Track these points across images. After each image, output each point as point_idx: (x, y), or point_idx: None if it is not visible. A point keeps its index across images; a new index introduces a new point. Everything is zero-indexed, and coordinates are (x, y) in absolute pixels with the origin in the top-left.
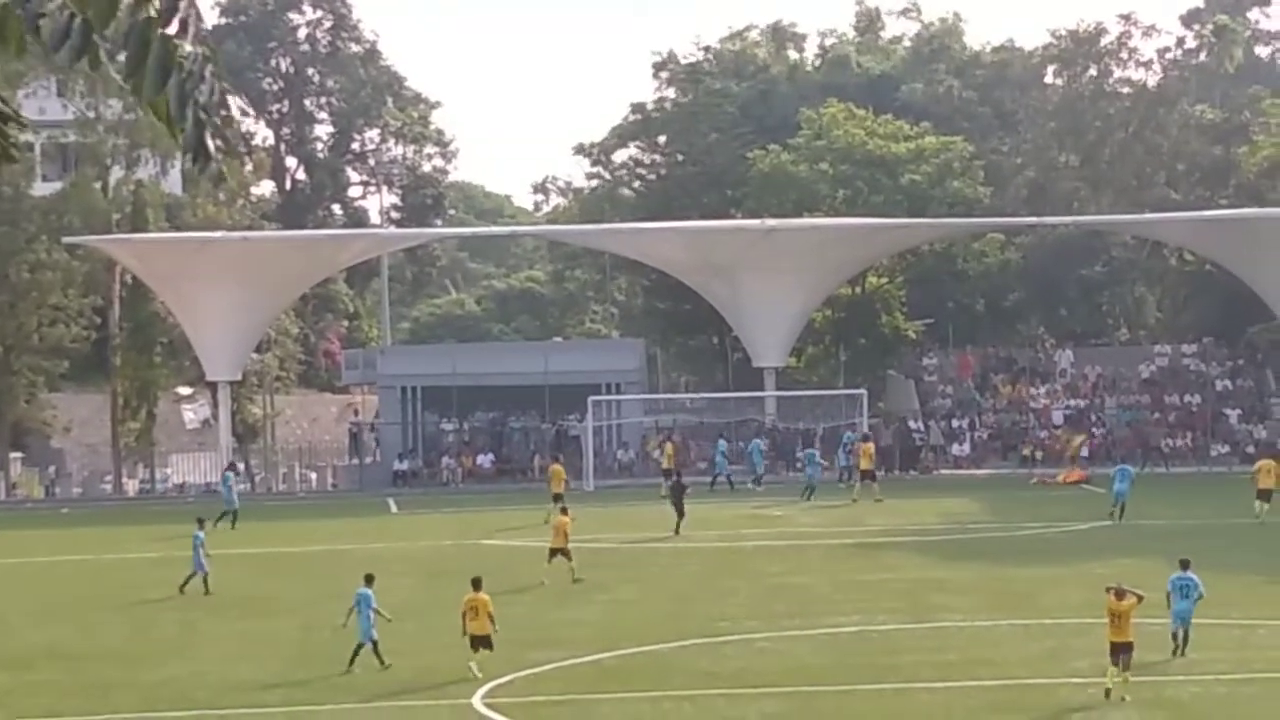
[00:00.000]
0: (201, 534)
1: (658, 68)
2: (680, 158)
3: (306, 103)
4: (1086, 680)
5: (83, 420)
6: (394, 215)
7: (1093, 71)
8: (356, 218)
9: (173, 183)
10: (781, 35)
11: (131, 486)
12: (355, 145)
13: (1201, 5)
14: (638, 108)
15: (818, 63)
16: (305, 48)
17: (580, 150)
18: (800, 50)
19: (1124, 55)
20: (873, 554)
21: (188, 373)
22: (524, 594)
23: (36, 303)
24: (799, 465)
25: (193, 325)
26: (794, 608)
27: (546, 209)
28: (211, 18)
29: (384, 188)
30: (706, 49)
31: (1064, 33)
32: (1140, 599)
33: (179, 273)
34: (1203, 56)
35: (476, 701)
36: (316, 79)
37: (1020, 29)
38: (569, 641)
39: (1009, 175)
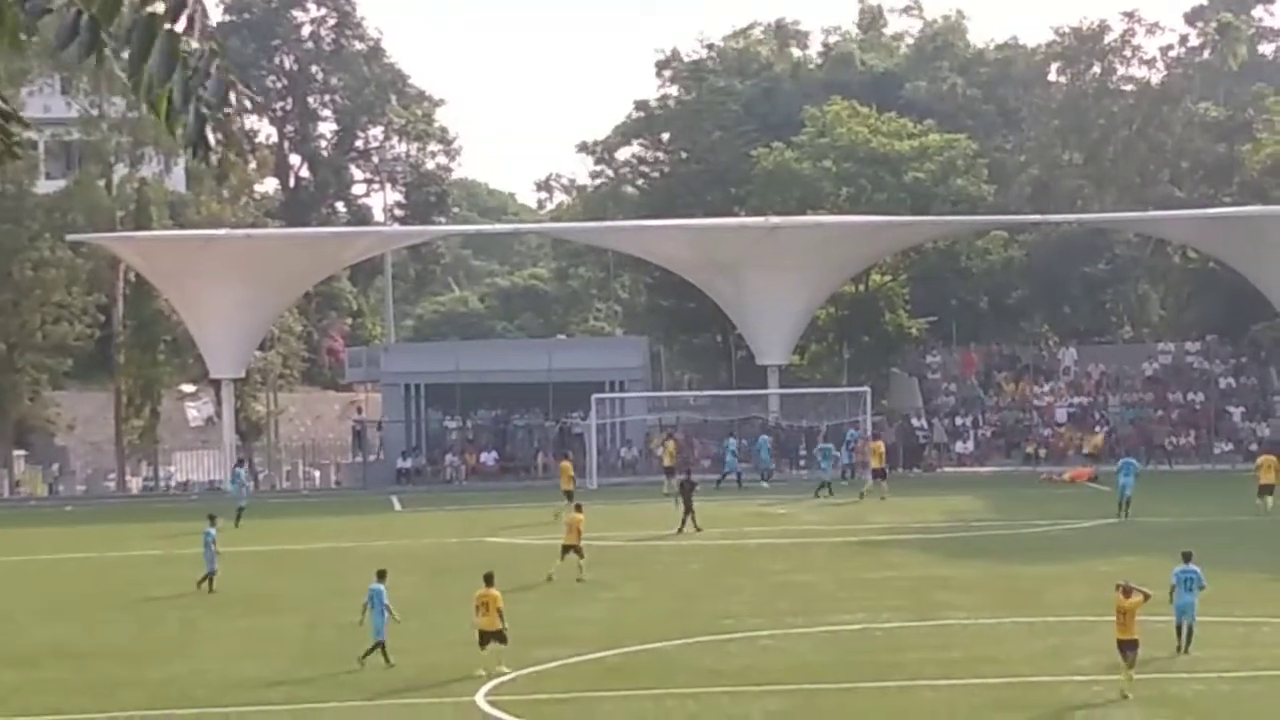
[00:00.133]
0: (213, 530)
1: (661, 66)
2: (684, 155)
3: (310, 100)
4: (1090, 678)
5: (86, 418)
6: (397, 213)
7: (1096, 69)
8: (360, 215)
9: (176, 180)
10: (785, 33)
11: (135, 484)
12: (359, 143)
13: (1205, 3)
14: (641, 105)
15: (821, 60)
16: (309, 45)
17: (584, 148)
18: (804, 48)
19: (1127, 53)
20: (877, 552)
21: (191, 370)
22: (528, 591)
23: (40, 300)
24: (802, 463)
25: (196, 323)
26: (798, 605)
27: (550, 206)
28: (215, 15)
29: (387, 185)
30: (710, 47)
31: (1067, 30)
32: (1147, 597)
33: (183, 270)
34: (1206, 54)
35: (480, 699)
36: (320, 76)
37: (1024, 27)
38: (573, 639)
39: (1012, 173)
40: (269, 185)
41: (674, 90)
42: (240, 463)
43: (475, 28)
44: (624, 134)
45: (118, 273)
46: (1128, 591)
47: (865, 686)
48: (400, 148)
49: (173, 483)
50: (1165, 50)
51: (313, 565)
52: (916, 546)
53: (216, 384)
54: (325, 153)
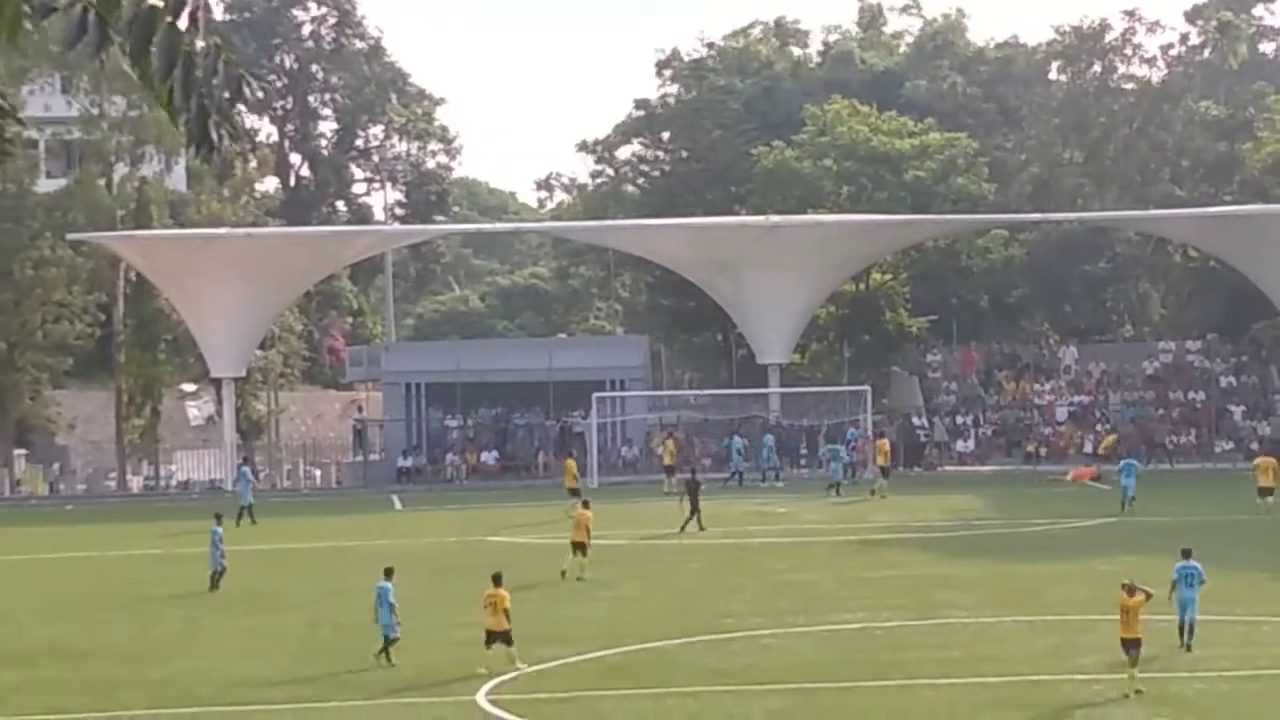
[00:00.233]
0: (220, 529)
1: (661, 65)
2: (684, 154)
3: (311, 99)
4: (1091, 677)
5: (87, 417)
6: (398, 212)
7: (1097, 68)
8: (360, 214)
9: (177, 179)
10: (785, 32)
11: (136, 483)
12: (359, 142)
13: (1205, 1)
14: (642, 104)
15: (821, 59)
16: (309, 44)
17: (584, 147)
18: (804, 47)
19: (1128, 51)
20: (877, 551)
21: (192, 369)
22: (529, 591)
23: (41, 299)
24: (803, 462)
25: (197, 322)
26: (799, 604)
27: (550, 205)
28: (216, 14)
29: (388, 184)
30: (710, 45)
31: (1068, 29)
32: (1149, 596)
33: (183, 269)
34: (1207, 53)
35: (481, 698)
36: (321, 75)
37: (1024, 25)
38: (574, 638)
39: (1013, 171)
40: (269, 184)
41: (674, 89)
42: (245, 461)
43: (475, 27)
44: (624, 133)
45: (118, 272)
46: (1131, 590)
47: (866, 685)
48: (401, 147)
49: (173, 482)
50: (1166, 49)
51: (314, 564)
52: (917, 545)
53: (217, 383)
54: (326, 152)
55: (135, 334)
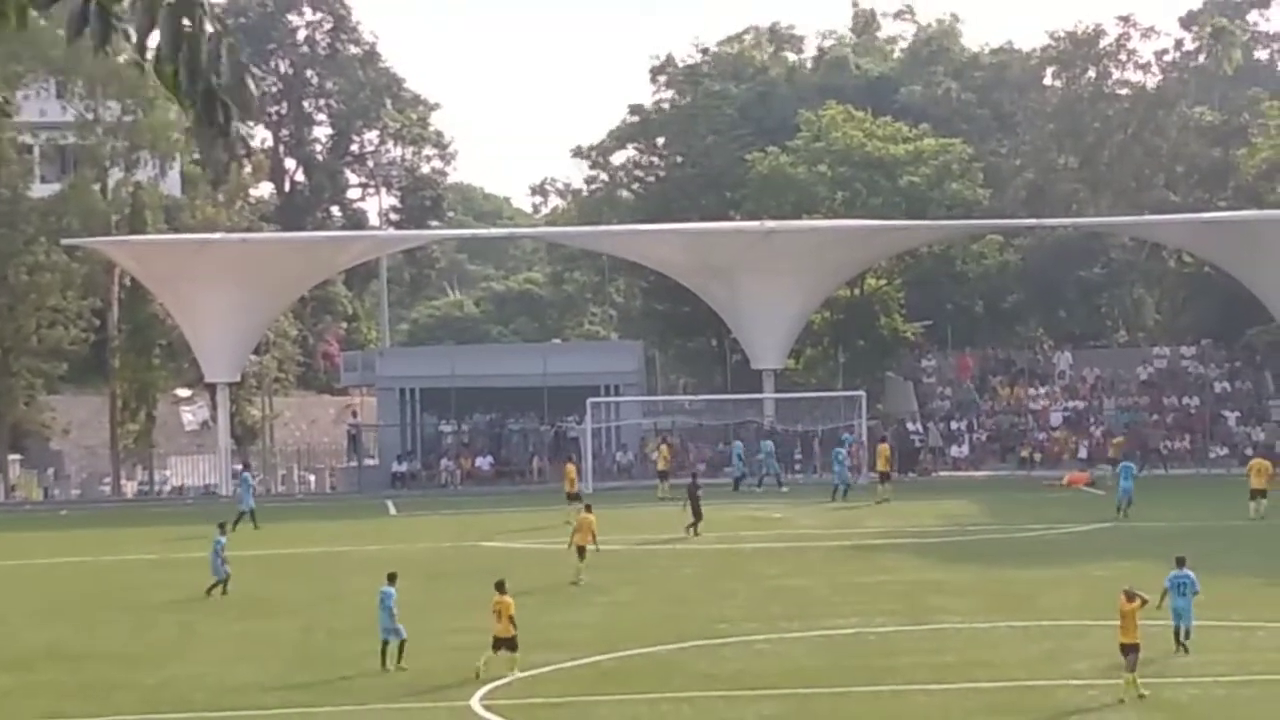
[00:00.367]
0: (223, 539)
1: (655, 72)
2: (679, 160)
3: (305, 104)
4: (1086, 682)
5: (81, 422)
6: (393, 217)
7: (1091, 73)
8: (355, 219)
9: (171, 184)
10: (779, 37)
11: (130, 488)
12: (354, 147)
13: (1199, 7)
14: (636, 110)
15: (816, 65)
16: (304, 49)
17: (579, 152)
18: (798, 52)
19: (1123, 57)
20: (871, 556)
21: (186, 374)
22: (523, 597)
23: (35, 304)
24: (797, 467)
25: (191, 327)
26: (792, 610)
27: (545, 211)
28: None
29: (383, 189)
30: (704, 51)
31: (1063, 34)
32: (1145, 602)
33: (178, 274)
34: (1201, 58)
35: (475, 704)
36: (315, 81)
37: (1019, 31)
38: (568, 643)
39: (1008, 177)
40: (264, 189)
41: (669, 95)
42: (246, 466)
43: (470, 32)
44: (619, 138)
45: (113, 277)
46: (1131, 596)
47: (859, 691)
48: (395, 152)
49: (168, 487)
50: (1160, 55)
51: (308, 569)
52: (911, 551)
53: (212, 388)
54: (320, 157)
55: (130, 339)
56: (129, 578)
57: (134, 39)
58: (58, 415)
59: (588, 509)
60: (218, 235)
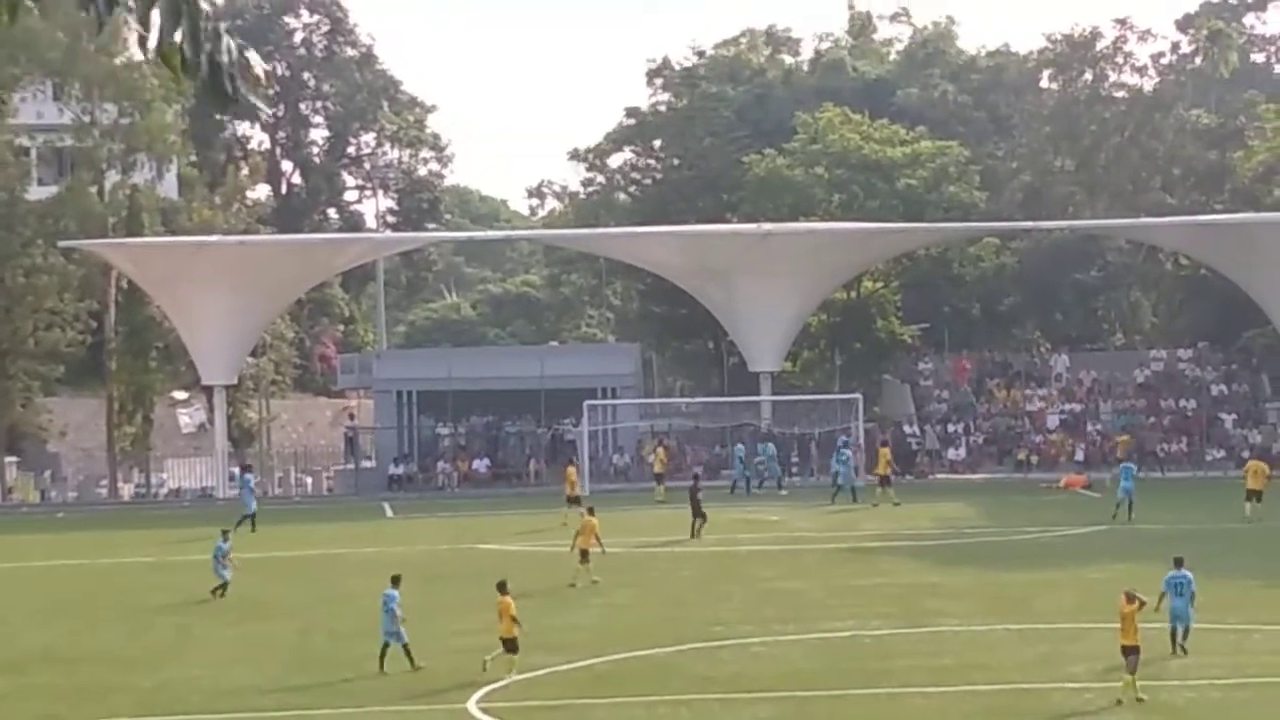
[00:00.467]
0: (224, 544)
1: (652, 75)
2: (675, 162)
3: (302, 107)
4: (1082, 685)
5: (78, 424)
6: (389, 219)
7: (1088, 76)
8: (352, 222)
9: (168, 187)
10: (776, 40)
11: (127, 491)
12: (351, 149)
13: (1196, 10)
14: (633, 112)
15: (812, 67)
16: (301, 52)
17: (575, 155)
18: (795, 54)
19: (1119, 60)
20: (867, 559)
21: (183, 377)
22: (520, 599)
23: (32, 307)
24: (794, 470)
25: (188, 329)
26: (788, 612)
27: (542, 213)
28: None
29: (380, 192)
30: (701, 54)
31: (1059, 37)
32: (1142, 604)
33: (174, 277)
34: (1198, 61)
35: (472, 706)
36: (312, 83)
37: (1016, 33)
38: (564, 646)
39: (1004, 180)
40: (261, 192)
41: (665, 97)
42: (248, 468)
43: (467, 35)
44: (616, 141)
45: (110, 279)
46: (1130, 598)
47: (856, 694)
48: (392, 154)
49: (164, 489)
50: (1157, 57)
51: (305, 572)
52: (907, 553)
53: (208, 390)
54: (317, 159)
55: (126, 341)
56: (125, 580)
57: (135, 9)
58: (54, 417)
59: (590, 512)
60: (215, 238)
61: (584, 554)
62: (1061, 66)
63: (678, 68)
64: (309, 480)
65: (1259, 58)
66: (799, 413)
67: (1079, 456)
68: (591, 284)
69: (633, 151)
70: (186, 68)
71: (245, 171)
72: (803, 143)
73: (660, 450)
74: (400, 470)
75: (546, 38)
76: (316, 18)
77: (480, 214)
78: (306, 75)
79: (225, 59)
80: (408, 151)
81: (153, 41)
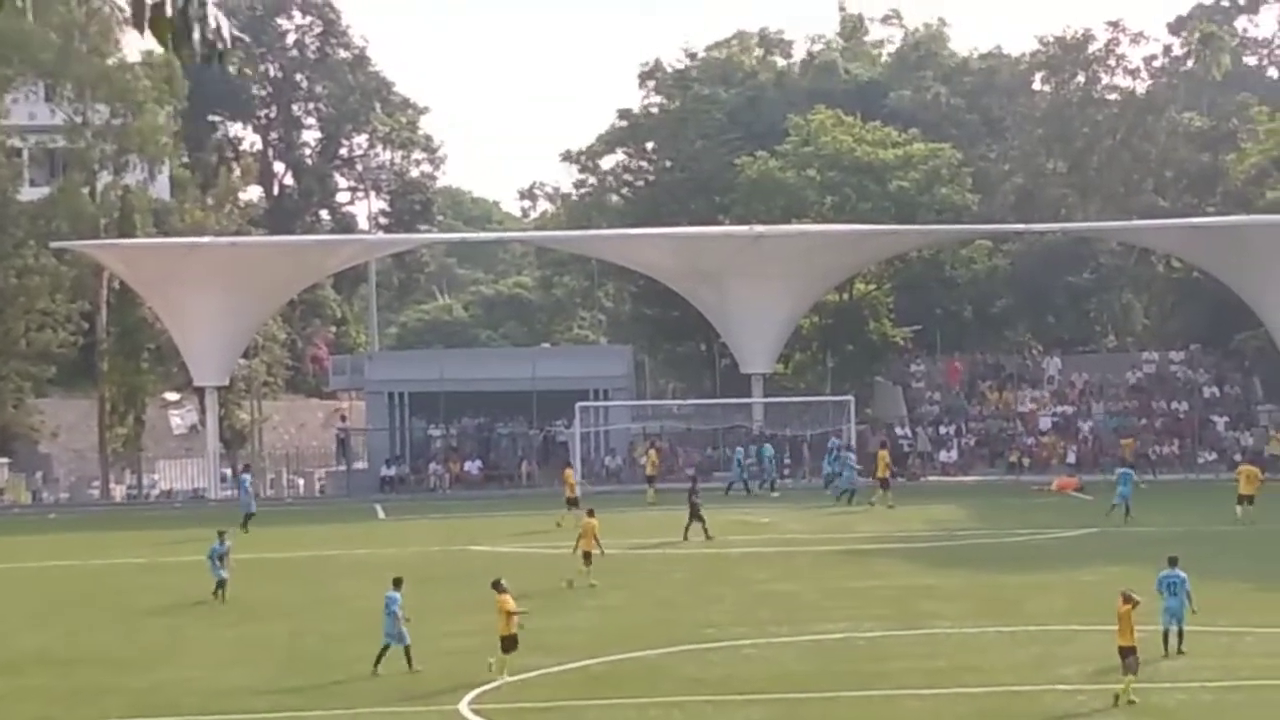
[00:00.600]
0: (219, 545)
1: (644, 77)
2: (668, 164)
3: (295, 108)
4: (1073, 687)
5: (70, 425)
6: (382, 221)
7: (1080, 78)
8: (344, 223)
9: (160, 188)
10: (769, 42)
11: (119, 492)
12: (343, 151)
13: (1188, 12)
14: (625, 114)
15: (805, 69)
16: (294, 53)
17: (568, 157)
18: (787, 57)
19: (1112, 62)
20: (860, 561)
21: (175, 378)
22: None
23: (24, 308)
24: (787, 472)
25: (180, 331)
26: (781, 614)
27: (534, 215)
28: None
29: (372, 193)
30: (693, 56)
31: (1052, 40)
32: (1136, 604)
33: (167, 278)
34: (1190, 64)
35: (464, 708)
36: (305, 84)
37: (1008, 36)
38: (557, 648)
39: (997, 182)
40: (253, 193)
41: (658, 99)
42: (246, 468)
43: (459, 36)
44: (608, 142)
45: (101, 280)
46: (1127, 598)
47: (848, 696)
48: (384, 155)
49: (156, 491)
50: (1149, 60)
51: (297, 573)
52: (900, 555)
53: (200, 392)
54: (310, 160)
55: (118, 342)
56: (118, 581)
57: None
58: (46, 418)
59: (590, 513)
60: (206, 239)
61: (586, 556)
62: (1054, 69)
63: (670, 70)
64: (301, 482)
65: (1251, 60)
66: (791, 415)
67: (1071, 459)
68: (583, 286)
69: (625, 153)
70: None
71: (237, 173)
72: (795, 145)
73: (652, 452)
74: (392, 472)
75: (539, 39)
76: (309, 19)
77: (472, 215)
78: (299, 77)
79: (211, 26)
80: (400, 153)
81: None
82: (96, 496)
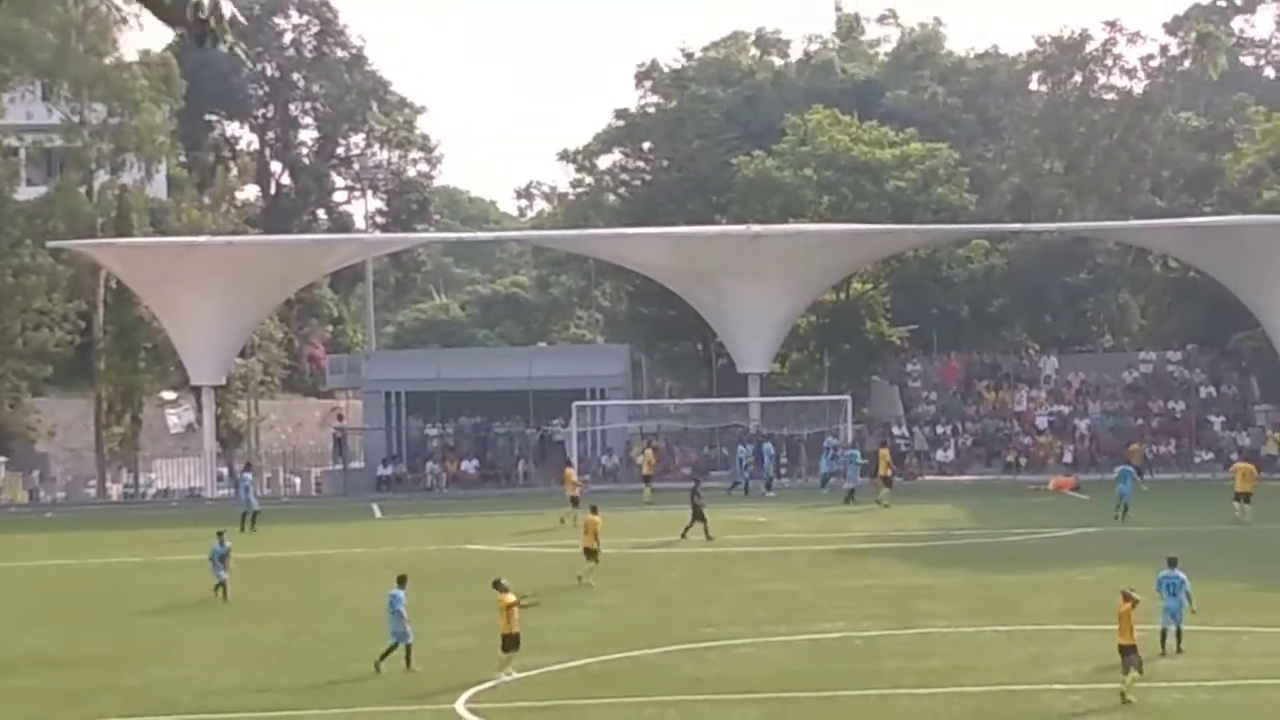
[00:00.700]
0: (219, 546)
1: (641, 77)
2: (665, 163)
3: (291, 107)
4: (1069, 687)
5: (67, 425)
6: (379, 220)
7: (1077, 78)
8: (341, 223)
9: (157, 187)
10: (766, 42)
11: (115, 491)
12: (340, 150)
13: (1185, 12)
14: (622, 114)
15: (802, 69)
16: (291, 52)
17: (565, 156)
18: (784, 56)
19: (1109, 62)
20: (857, 560)
21: (172, 377)
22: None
23: (21, 307)
24: (783, 471)
25: (177, 330)
26: (777, 614)
27: (531, 214)
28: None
29: (369, 193)
30: (690, 56)
31: (1049, 39)
32: (1136, 603)
33: (163, 277)
34: (1187, 64)
35: (460, 707)
36: (302, 84)
37: (1005, 36)
38: (554, 647)
39: (994, 181)
40: (250, 192)
41: (655, 98)
42: (248, 467)
43: (457, 35)
44: (605, 142)
45: (98, 279)
46: (1127, 597)
47: (844, 695)
48: (381, 155)
49: (153, 490)
50: (1146, 60)
51: (293, 572)
52: (896, 555)
53: (197, 391)
54: (306, 160)
55: (115, 342)
56: (114, 581)
57: None
58: (43, 418)
59: (594, 510)
60: (203, 238)
61: (589, 553)
62: (1051, 69)
63: (667, 69)
64: (297, 481)
65: (1248, 60)
66: (788, 414)
67: (1067, 458)
68: (580, 285)
69: (622, 153)
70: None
71: (234, 172)
72: (792, 144)
73: (649, 451)
74: (389, 471)
75: (535, 39)
76: (306, 18)
77: (469, 215)
78: (296, 76)
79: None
80: (397, 152)
81: None
82: (93, 496)
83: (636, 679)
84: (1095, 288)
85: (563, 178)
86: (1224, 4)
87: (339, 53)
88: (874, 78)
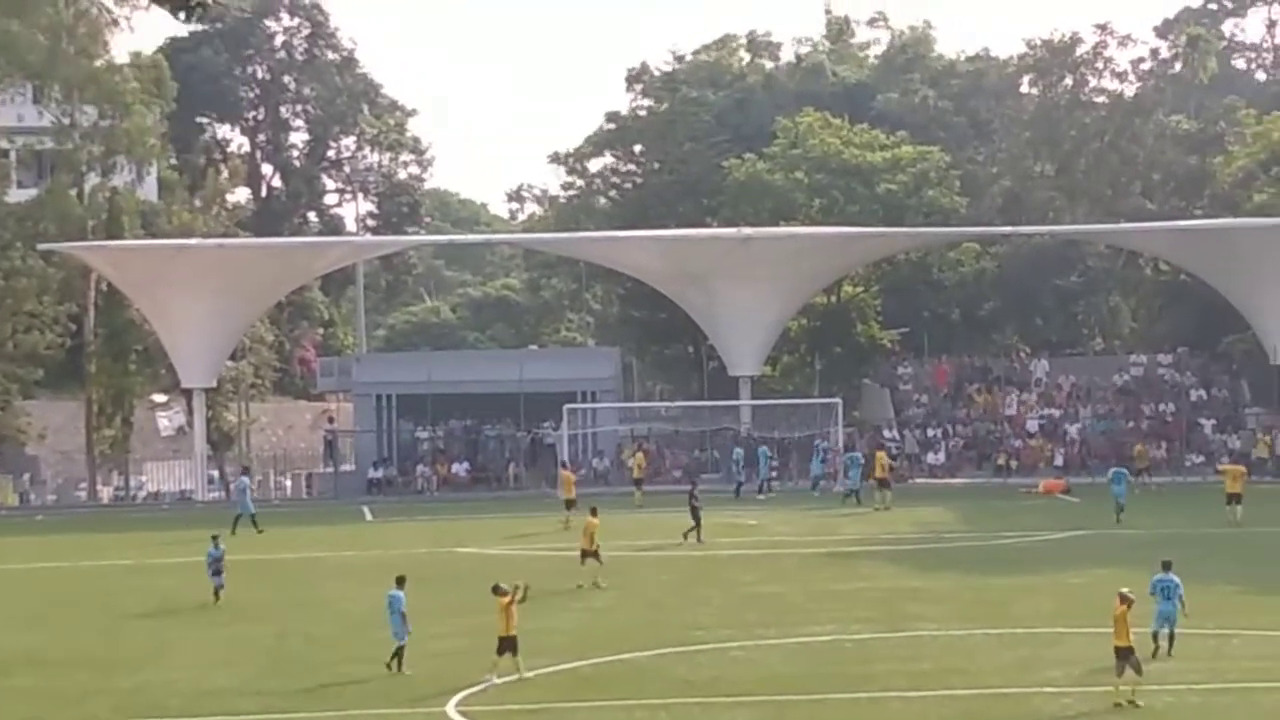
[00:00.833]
0: (214, 550)
1: (631, 80)
2: (656, 166)
3: (283, 110)
4: (1059, 690)
5: (57, 427)
6: (369, 223)
7: (1068, 81)
8: (332, 225)
9: (148, 190)
10: (757, 44)
11: (106, 494)
12: (331, 153)
13: (1175, 15)
14: (613, 116)
15: (792, 72)
16: (282, 55)
17: (556, 159)
18: (775, 59)
19: (1099, 65)
20: (847, 563)
21: (163, 380)
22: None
23: (11, 309)
24: (774, 474)
25: (168, 332)
26: (768, 617)
27: (522, 217)
28: (188, 25)
29: (360, 195)
30: (680, 59)
31: (1039, 42)
32: (1132, 602)
33: (154, 280)
34: (1178, 67)
35: (451, 710)
36: (293, 86)
37: (995, 38)
38: (545, 649)
39: (984, 185)
40: (241, 195)
41: (646, 101)
42: (245, 470)
43: (448, 38)
44: (596, 145)
45: (89, 282)
46: (1123, 599)
47: (835, 698)
48: (372, 158)
49: (144, 492)
50: (1137, 63)
51: (283, 575)
52: (887, 558)
53: (188, 394)
54: (297, 162)
55: (106, 344)
56: (105, 583)
57: None
58: (34, 420)
59: (593, 512)
60: (194, 241)
61: (586, 554)
62: (1041, 72)
63: (658, 72)
64: (288, 483)
65: (1239, 63)
66: (778, 417)
67: (1058, 461)
68: (571, 288)
69: (613, 156)
70: None
71: (225, 175)
72: (783, 147)
73: (639, 455)
74: (379, 474)
75: (526, 42)
76: (297, 21)
77: (460, 217)
78: (287, 79)
79: None
80: (388, 155)
81: None
82: (84, 498)
83: (627, 682)
84: (1086, 291)
85: (554, 180)
86: (1214, 7)
87: (330, 55)
88: (864, 80)
